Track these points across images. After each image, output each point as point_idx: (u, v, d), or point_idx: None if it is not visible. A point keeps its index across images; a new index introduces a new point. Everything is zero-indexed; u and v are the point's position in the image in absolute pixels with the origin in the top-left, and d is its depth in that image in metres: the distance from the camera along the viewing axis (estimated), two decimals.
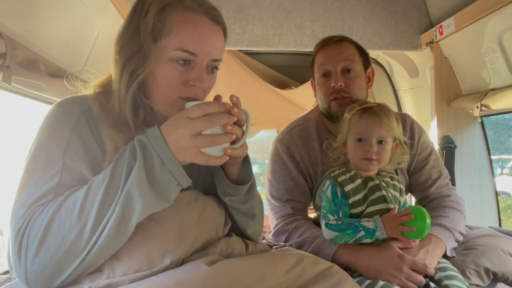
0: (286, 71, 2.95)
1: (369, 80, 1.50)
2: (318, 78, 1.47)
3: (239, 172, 0.92)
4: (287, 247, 1.10)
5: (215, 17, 0.89)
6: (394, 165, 1.31)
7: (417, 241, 1.18)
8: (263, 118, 3.08)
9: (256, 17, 2.22)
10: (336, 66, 1.41)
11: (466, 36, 1.90)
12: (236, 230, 1.01)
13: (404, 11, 2.26)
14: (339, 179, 1.22)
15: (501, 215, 2.25)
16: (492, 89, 1.88)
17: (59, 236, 0.73)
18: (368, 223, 1.15)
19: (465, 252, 1.23)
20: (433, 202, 1.44)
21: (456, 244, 1.28)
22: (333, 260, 1.17)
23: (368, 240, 1.16)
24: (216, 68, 0.92)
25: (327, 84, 1.42)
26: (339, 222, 1.18)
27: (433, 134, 2.17)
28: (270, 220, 1.49)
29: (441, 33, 2.05)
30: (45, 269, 0.73)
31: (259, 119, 3.08)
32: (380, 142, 1.22)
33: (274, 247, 1.09)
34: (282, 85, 2.90)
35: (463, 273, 1.15)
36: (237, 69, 2.70)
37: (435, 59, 2.15)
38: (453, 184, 1.87)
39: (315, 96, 1.54)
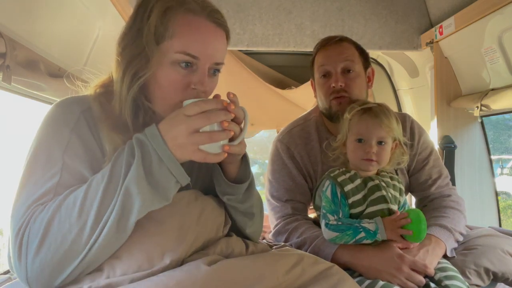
0: (286, 71, 2.95)
1: (369, 80, 1.50)
2: (318, 79, 1.47)
3: (238, 171, 0.92)
4: (287, 247, 1.10)
5: (218, 20, 0.89)
6: (394, 165, 1.31)
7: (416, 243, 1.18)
8: (263, 118, 3.08)
9: (256, 17, 2.22)
10: (336, 66, 1.41)
11: (466, 36, 1.90)
12: (236, 229, 1.01)
13: (404, 11, 2.26)
14: (339, 179, 1.22)
15: (501, 215, 2.25)
16: (492, 89, 1.88)
17: (59, 235, 0.73)
18: (369, 225, 1.15)
19: (465, 252, 1.23)
20: (433, 202, 1.44)
21: (456, 245, 1.28)
22: (333, 260, 1.17)
23: (368, 241, 1.16)
24: (218, 71, 0.92)
25: (327, 84, 1.42)
26: (339, 223, 1.17)
27: (433, 134, 2.18)
28: (270, 220, 1.49)
29: (441, 33, 2.05)
30: (46, 268, 0.73)
31: (259, 119, 3.08)
32: (380, 143, 1.22)
33: (274, 247, 1.09)
34: (282, 85, 2.90)
35: (463, 273, 1.15)
36: (237, 69, 2.70)
37: (435, 59, 2.15)
38: (453, 184, 1.87)
39: (315, 96, 1.54)
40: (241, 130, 0.83)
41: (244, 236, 1.01)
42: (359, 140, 1.23)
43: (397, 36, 2.28)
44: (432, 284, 1.10)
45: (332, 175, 1.25)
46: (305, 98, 2.80)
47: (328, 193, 1.22)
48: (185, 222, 0.85)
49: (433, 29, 2.13)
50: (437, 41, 2.12)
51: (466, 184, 2.19)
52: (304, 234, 1.30)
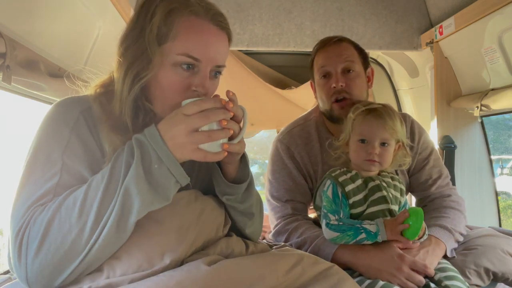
0: (286, 71, 2.95)
1: (369, 80, 1.50)
2: (318, 80, 1.47)
3: (237, 171, 0.92)
4: (287, 247, 1.10)
5: (221, 23, 0.89)
6: (396, 167, 1.31)
7: (418, 243, 1.18)
8: (263, 118, 3.08)
9: (256, 17, 2.22)
10: (336, 67, 1.41)
11: (466, 36, 1.90)
12: (236, 229, 1.01)
13: (404, 11, 2.26)
14: (340, 179, 1.22)
15: (501, 215, 2.25)
16: (492, 89, 1.88)
17: (59, 235, 0.73)
18: (370, 226, 1.15)
19: (465, 252, 1.23)
20: (433, 202, 1.44)
21: (456, 245, 1.28)
22: (333, 260, 1.17)
23: (369, 242, 1.16)
24: (220, 73, 0.92)
25: (327, 85, 1.42)
26: (340, 223, 1.17)
27: (433, 134, 2.17)
28: (270, 220, 1.49)
29: (441, 33, 2.05)
30: (46, 268, 0.73)
31: (259, 119, 3.08)
32: (383, 144, 1.22)
33: (274, 247, 1.09)
34: (282, 85, 2.90)
35: (463, 273, 1.15)
36: (237, 69, 2.70)
37: (435, 59, 2.15)
38: (453, 184, 1.87)
39: (316, 97, 1.54)
40: (240, 128, 0.83)
41: (244, 236, 1.01)
42: (362, 141, 1.22)
43: (397, 36, 2.28)
44: (432, 284, 1.10)
45: (333, 175, 1.25)
46: (305, 98, 2.80)
47: (329, 193, 1.22)
48: (185, 222, 0.85)
49: (433, 29, 2.13)
50: (437, 41, 2.12)
51: (466, 184, 2.18)
52: (304, 234, 1.30)
